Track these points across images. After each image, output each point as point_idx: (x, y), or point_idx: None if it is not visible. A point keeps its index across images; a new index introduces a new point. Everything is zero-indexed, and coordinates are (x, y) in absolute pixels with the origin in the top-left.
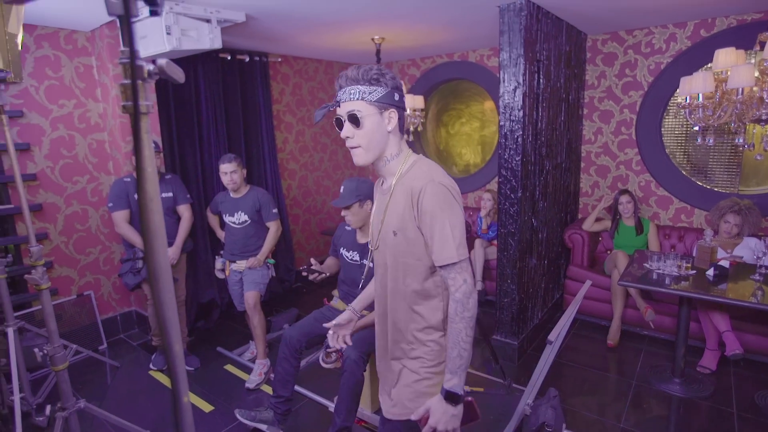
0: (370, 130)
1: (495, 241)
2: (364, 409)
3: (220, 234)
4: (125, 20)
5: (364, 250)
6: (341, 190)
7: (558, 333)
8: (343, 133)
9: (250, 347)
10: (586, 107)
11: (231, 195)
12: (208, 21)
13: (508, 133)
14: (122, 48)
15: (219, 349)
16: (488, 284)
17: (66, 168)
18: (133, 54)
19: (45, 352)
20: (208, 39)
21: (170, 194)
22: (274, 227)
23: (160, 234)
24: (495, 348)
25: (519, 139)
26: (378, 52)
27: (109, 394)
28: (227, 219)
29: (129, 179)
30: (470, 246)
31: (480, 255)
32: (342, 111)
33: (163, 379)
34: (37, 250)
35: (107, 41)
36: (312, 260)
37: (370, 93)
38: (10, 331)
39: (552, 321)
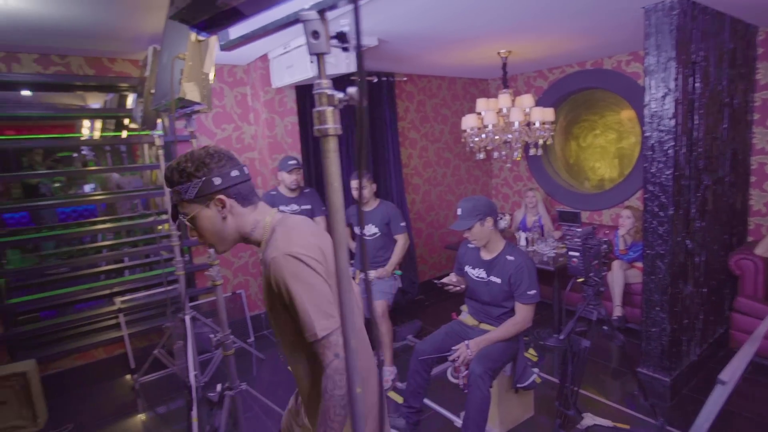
0: (206, 227)
1: (637, 263)
2: (493, 429)
3: (351, 244)
4: (321, 57)
5: (489, 266)
6: (458, 212)
7: (732, 373)
8: (190, 235)
9: None
10: (757, 112)
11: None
12: (345, 49)
13: (655, 144)
14: (319, 80)
15: None
16: (628, 310)
17: None
18: (362, 80)
19: (217, 338)
20: (344, 64)
21: (309, 206)
22: (402, 240)
23: (343, 242)
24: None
25: (670, 151)
26: (504, 65)
27: (256, 381)
28: (358, 231)
29: (275, 192)
30: (609, 267)
31: (619, 277)
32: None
33: None
34: (214, 251)
35: (260, 72)
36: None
37: (185, 191)
38: (187, 319)
39: (714, 359)
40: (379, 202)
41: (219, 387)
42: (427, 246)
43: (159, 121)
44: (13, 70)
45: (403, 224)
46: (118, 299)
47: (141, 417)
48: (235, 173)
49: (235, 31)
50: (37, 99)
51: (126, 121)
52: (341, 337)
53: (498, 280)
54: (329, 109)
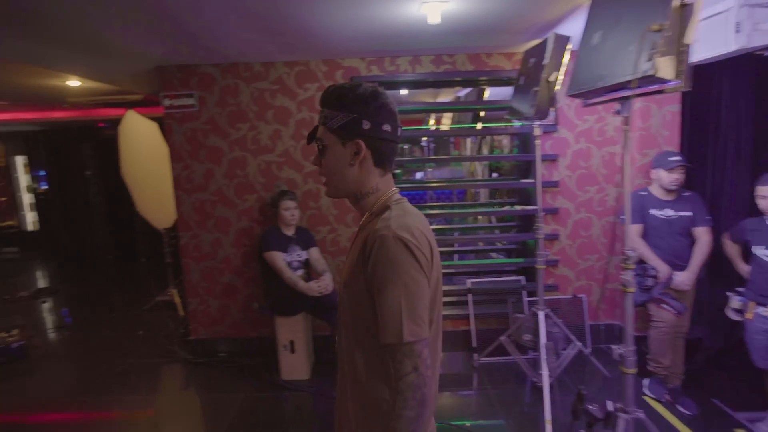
0: (331, 162)
1: None
2: None
3: (743, 268)
4: None
5: None
6: None
7: None
8: (313, 162)
9: None
10: None
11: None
12: None
13: None
14: None
15: (716, 401)
16: None
17: (581, 178)
18: None
19: (619, 350)
20: None
21: (689, 213)
22: None
23: None
24: None
25: None
26: None
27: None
28: (759, 251)
29: (645, 193)
30: None
31: None
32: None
33: (661, 410)
34: (634, 255)
35: None
36: None
37: (331, 119)
38: (541, 315)
39: None
40: None
41: (610, 405)
42: None
43: (551, 110)
44: (416, 71)
45: None
46: (469, 280)
47: (478, 394)
48: (387, 128)
49: None
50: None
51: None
52: (426, 350)
53: None
54: None
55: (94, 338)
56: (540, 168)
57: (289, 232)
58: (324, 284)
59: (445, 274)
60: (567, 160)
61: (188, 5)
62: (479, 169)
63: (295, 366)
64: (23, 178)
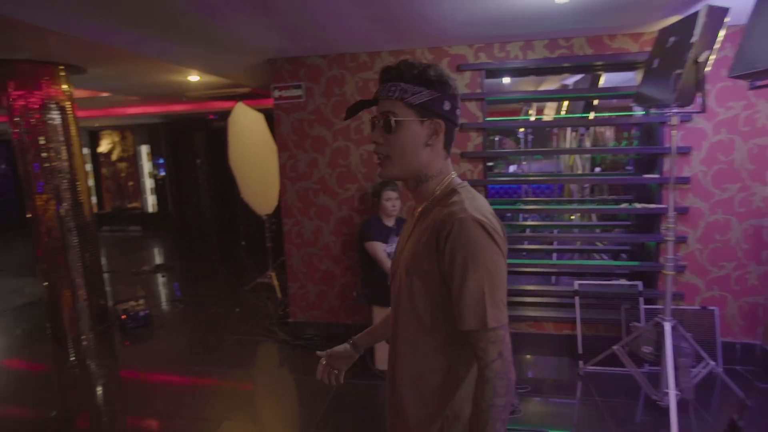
0: (403, 139)
1: None
2: None
3: None
4: None
5: None
6: None
7: None
8: (373, 137)
9: None
10: None
11: None
12: None
13: None
14: None
15: None
16: None
17: (719, 174)
18: None
19: None
20: None
21: None
22: None
23: None
24: None
25: None
26: None
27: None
28: None
29: None
30: None
31: None
32: (378, 111)
33: None
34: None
35: None
36: None
37: (413, 94)
38: (667, 326)
39: None
40: None
41: None
42: None
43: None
44: (528, 57)
45: None
46: (577, 282)
47: (583, 404)
48: (458, 112)
49: None
50: (508, 85)
51: (594, 102)
52: (508, 335)
53: None
54: None
55: (202, 313)
56: (674, 162)
57: (390, 222)
58: None
59: (544, 274)
60: (702, 153)
61: None
62: (579, 162)
63: None
64: (146, 166)
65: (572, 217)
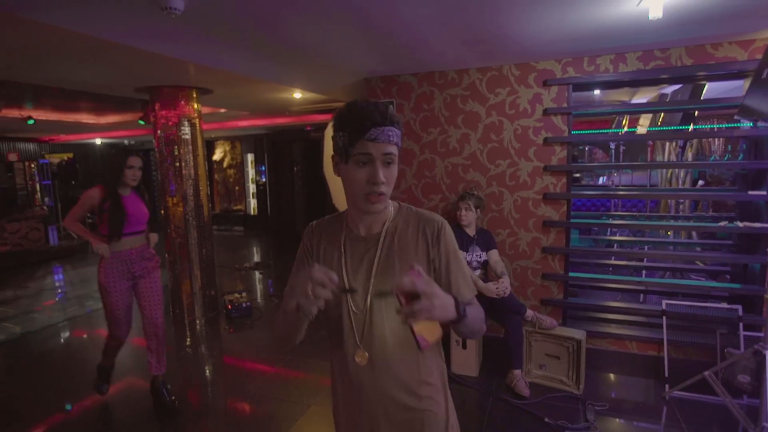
0: (394, 174)
1: None
2: None
3: None
4: None
5: None
6: None
7: None
8: (381, 177)
9: None
10: None
11: None
12: None
13: None
14: None
15: None
16: None
17: None
18: None
19: None
20: None
21: None
22: None
23: None
24: None
25: None
26: None
27: None
28: None
29: None
30: None
31: None
32: (377, 151)
33: None
34: None
35: None
36: None
37: (398, 137)
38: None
39: None
40: None
41: None
42: None
43: None
44: (619, 70)
45: None
46: (665, 301)
47: (665, 430)
48: None
49: None
50: (598, 96)
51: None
52: None
53: None
54: None
55: None
56: None
57: (471, 232)
58: (503, 287)
59: (629, 291)
60: None
61: (405, 23)
62: (682, 176)
63: (465, 361)
64: (250, 172)
65: (669, 233)
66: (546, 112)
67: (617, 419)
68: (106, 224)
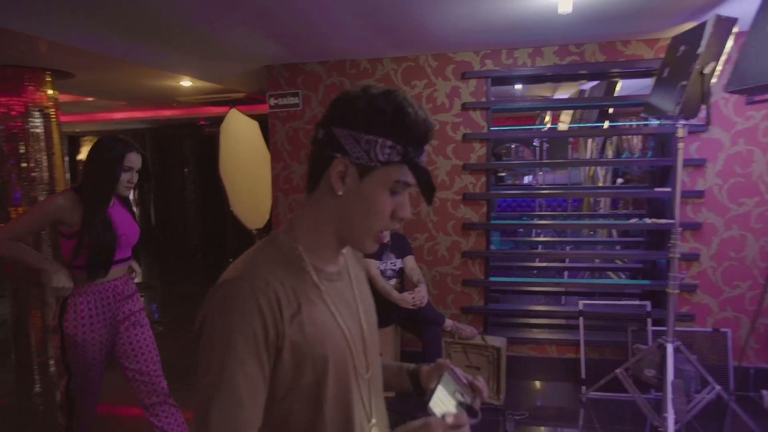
0: None
1: None
2: None
3: None
4: None
5: None
6: None
7: None
8: (409, 212)
9: None
10: None
11: None
12: None
13: None
14: None
15: None
16: None
17: (736, 187)
18: None
19: None
20: None
21: None
22: None
23: None
24: None
25: None
26: None
27: None
28: None
29: None
30: None
31: None
32: (416, 178)
33: None
34: None
35: None
36: None
37: None
38: (670, 348)
39: None
40: None
41: None
42: None
43: (703, 107)
44: (537, 64)
45: None
46: (581, 301)
47: None
48: None
49: None
50: (520, 91)
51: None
52: None
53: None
54: None
55: (183, 337)
56: (681, 175)
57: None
58: (419, 296)
59: (551, 293)
60: (718, 165)
61: (310, 6)
62: (601, 174)
63: None
64: None
65: (590, 232)
66: (464, 107)
67: (537, 427)
68: (85, 250)
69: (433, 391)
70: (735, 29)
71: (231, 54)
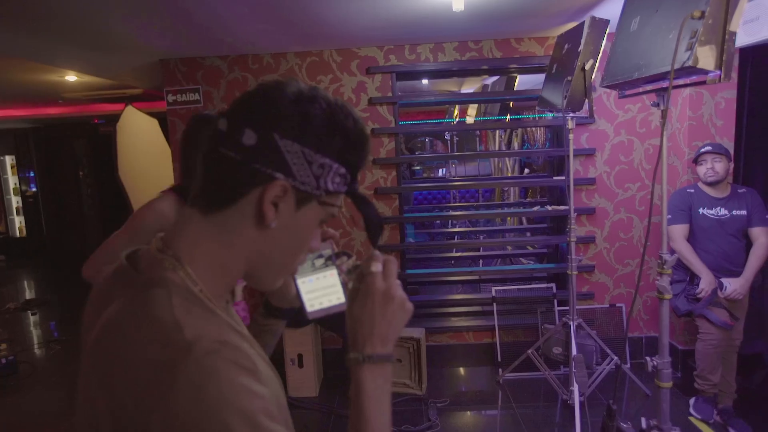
0: None
1: None
2: None
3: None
4: None
5: None
6: None
7: None
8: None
9: None
10: None
11: None
12: None
13: None
14: None
15: None
16: None
17: (621, 174)
18: None
19: (655, 363)
20: None
21: (743, 212)
22: None
23: None
24: None
25: None
26: None
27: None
28: None
29: (692, 190)
30: None
31: None
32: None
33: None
34: (671, 259)
35: None
36: None
37: None
38: (573, 325)
39: None
40: None
41: (644, 422)
42: None
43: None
44: (439, 59)
45: None
46: (494, 288)
47: (502, 413)
48: None
49: None
50: (427, 86)
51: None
52: None
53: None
54: None
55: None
56: (572, 164)
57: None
58: None
59: (468, 282)
60: (605, 154)
61: None
62: (509, 164)
63: (303, 382)
64: (11, 180)
65: (498, 221)
66: (371, 102)
67: (458, 412)
68: None
69: (299, 293)
70: (608, 30)
71: (119, 46)
